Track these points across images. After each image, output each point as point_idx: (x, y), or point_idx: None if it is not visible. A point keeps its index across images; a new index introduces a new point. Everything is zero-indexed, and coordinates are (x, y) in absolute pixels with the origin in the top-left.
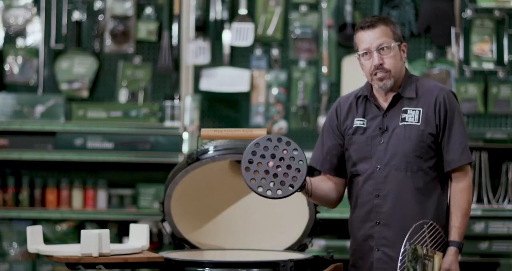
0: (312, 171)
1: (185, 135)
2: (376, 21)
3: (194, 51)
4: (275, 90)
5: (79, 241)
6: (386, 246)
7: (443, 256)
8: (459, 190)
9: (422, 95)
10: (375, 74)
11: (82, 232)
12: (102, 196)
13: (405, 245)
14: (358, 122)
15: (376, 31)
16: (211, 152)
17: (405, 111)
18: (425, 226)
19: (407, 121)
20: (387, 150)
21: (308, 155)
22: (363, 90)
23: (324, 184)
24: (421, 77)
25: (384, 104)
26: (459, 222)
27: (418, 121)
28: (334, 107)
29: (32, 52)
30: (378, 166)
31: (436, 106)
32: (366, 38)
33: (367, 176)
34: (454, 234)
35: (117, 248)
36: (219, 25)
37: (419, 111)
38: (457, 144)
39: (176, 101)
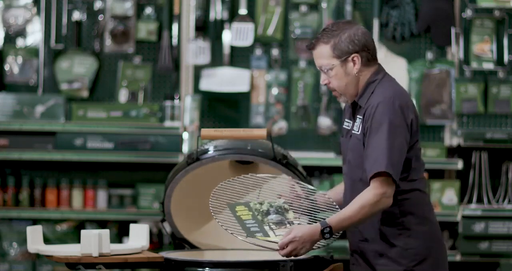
0: None
1: (185, 135)
2: (316, 41)
3: (194, 51)
4: (275, 90)
5: (79, 241)
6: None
7: None
8: (364, 197)
9: (367, 104)
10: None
11: (82, 232)
12: (102, 196)
13: None
14: (345, 124)
15: (316, 52)
16: (211, 152)
17: (355, 120)
18: None
19: (354, 131)
20: (345, 157)
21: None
22: None
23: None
24: (385, 83)
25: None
26: (348, 211)
27: (358, 131)
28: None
29: (32, 52)
30: (344, 171)
31: (366, 116)
32: (314, 58)
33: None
34: (332, 217)
35: (117, 248)
36: (219, 25)
37: (360, 120)
38: (372, 152)
39: (176, 101)
